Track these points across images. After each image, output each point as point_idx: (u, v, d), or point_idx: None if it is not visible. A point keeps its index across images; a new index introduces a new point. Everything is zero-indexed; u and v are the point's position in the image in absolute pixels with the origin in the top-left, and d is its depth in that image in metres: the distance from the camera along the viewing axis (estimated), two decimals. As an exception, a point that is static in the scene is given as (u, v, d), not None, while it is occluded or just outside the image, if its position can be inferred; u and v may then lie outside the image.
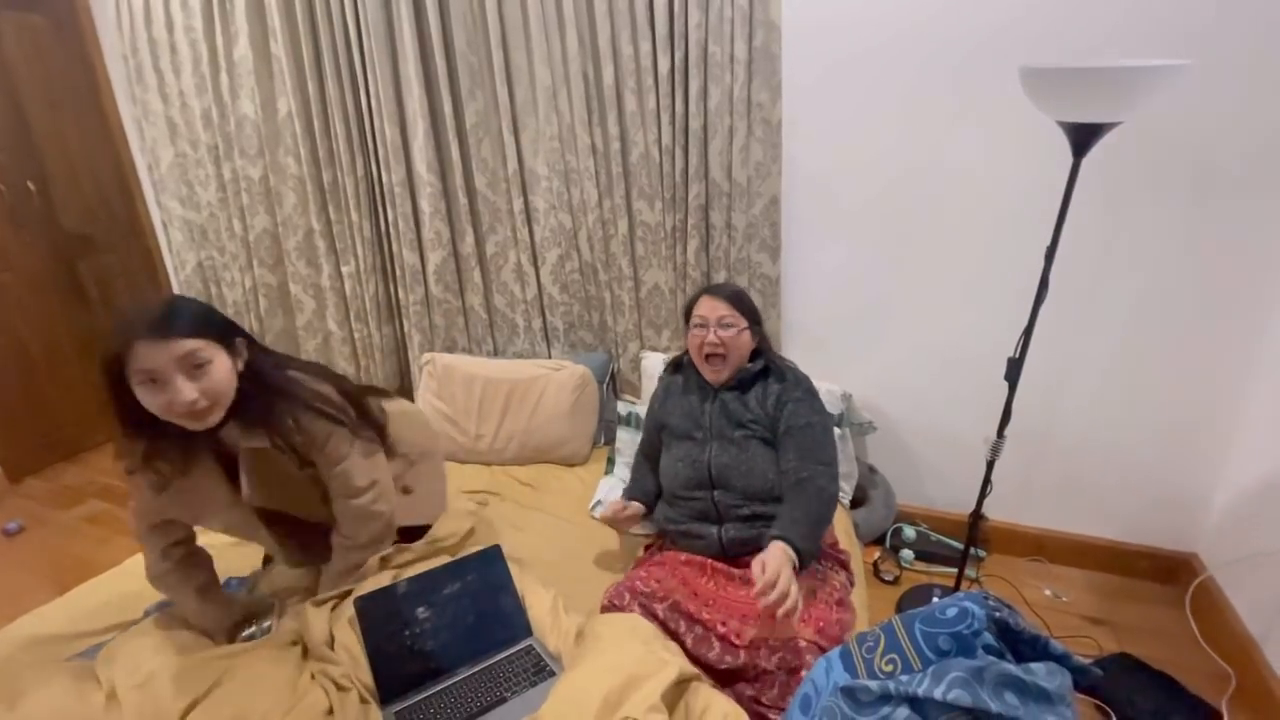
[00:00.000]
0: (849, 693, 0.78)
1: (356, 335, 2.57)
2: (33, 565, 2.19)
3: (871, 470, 2.06)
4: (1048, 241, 1.41)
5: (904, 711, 0.74)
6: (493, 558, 1.36)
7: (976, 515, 1.65)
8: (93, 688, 1.15)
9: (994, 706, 0.70)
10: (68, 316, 2.91)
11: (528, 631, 1.30)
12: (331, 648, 1.18)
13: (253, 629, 1.29)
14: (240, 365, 1.13)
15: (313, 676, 1.14)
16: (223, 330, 1.11)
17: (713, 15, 1.77)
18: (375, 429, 1.32)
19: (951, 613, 0.81)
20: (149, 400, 1.04)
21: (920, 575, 1.95)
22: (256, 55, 2.31)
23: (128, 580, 1.54)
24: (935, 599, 1.19)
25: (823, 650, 1.08)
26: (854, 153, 1.79)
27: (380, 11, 2.08)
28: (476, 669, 1.22)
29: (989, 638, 0.79)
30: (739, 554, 1.40)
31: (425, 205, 2.27)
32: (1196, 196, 1.54)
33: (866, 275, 1.90)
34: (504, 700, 1.15)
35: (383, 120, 2.21)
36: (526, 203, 2.20)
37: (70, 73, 2.78)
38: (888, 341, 1.95)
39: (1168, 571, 1.85)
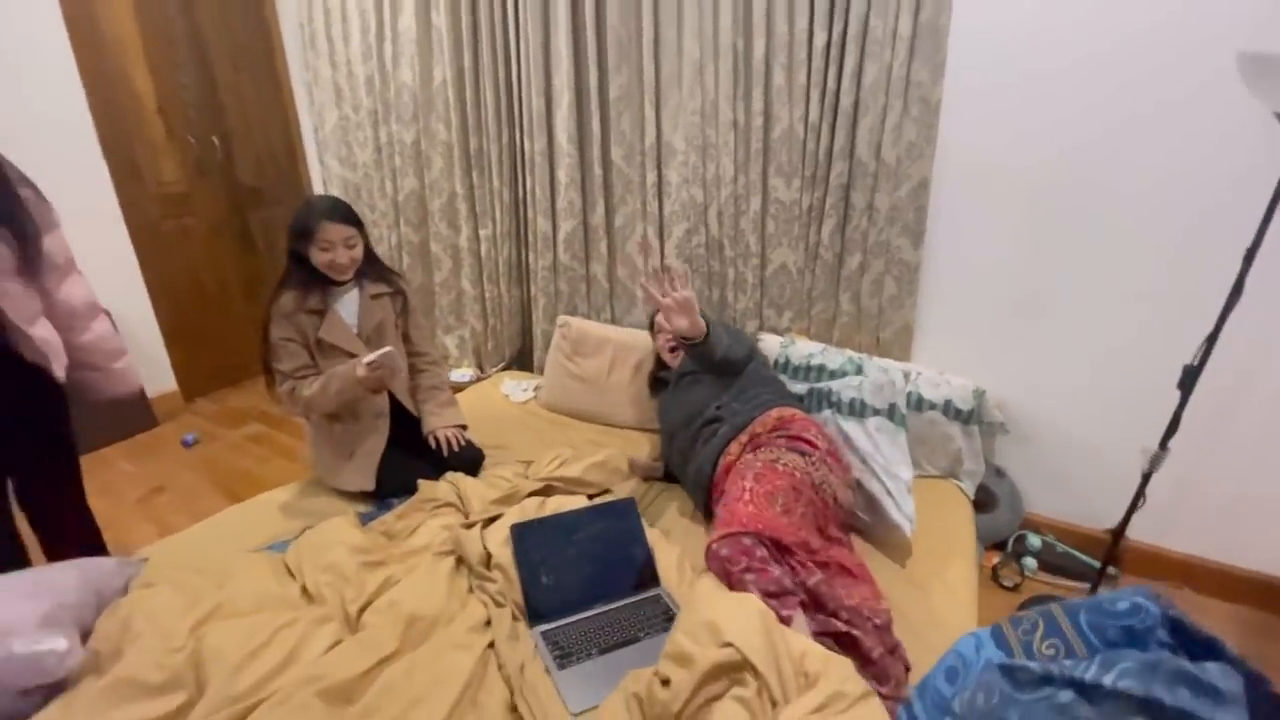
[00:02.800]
0: (1008, 671, 0.78)
1: (487, 295, 2.73)
2: (207, 473, 2.51)
3: (999, 473, 1.98)
4: (1234, 244, 1.30)
5: (1068, 695, 0.73)
6: (628, 508, 1.44)
7: (1122, 528, 1.56)
8: (285, 576, 1.33)
9: (1167, 699, 0.68)
10: (238, 260, 3.26)
11: (656, 582, 1.37)
12: (487, 567, 1.30)
13: (374, 356, 1.57)
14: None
15: (470, 589, 1.26)
16: (362, 226, 1.72)
17: (878, -11, 1.72)
18: None
19: (1123, 606, 0.79)
20: (317, 257, 1.66)
21: (1042, 585, 1.87)
22: (419, 26, 2.47)
23: (292, 495, 1.76)
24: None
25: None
26: (1019, 137, 1.70)
27: (538, -17, 2.17)
28: (611, 607, 1.30)
29: (1162, 634, 0.77)
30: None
31: (562, 175, 2.36)
32: None
33: (1016, 268, 1.81)
34: (637, 640, 1.22)
35: (530, 91, 2.31)
36: (660, 176, 2.25)
37: (251, 38, 3.08)
38: (1031, 339, 1.85)
39: (1336, 617, 1.68)
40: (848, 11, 1.77)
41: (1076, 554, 1.88)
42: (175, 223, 2.96)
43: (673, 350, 1.91)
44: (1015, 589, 1.86)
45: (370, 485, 1.71)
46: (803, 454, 1.48)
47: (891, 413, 1.69)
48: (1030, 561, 1.89)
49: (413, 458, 1.79)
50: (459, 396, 2.05)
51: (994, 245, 1.83)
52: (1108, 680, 0.69)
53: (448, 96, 2.50)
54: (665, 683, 0.99)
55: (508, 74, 2.39)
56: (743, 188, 2.11)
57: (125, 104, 2.70)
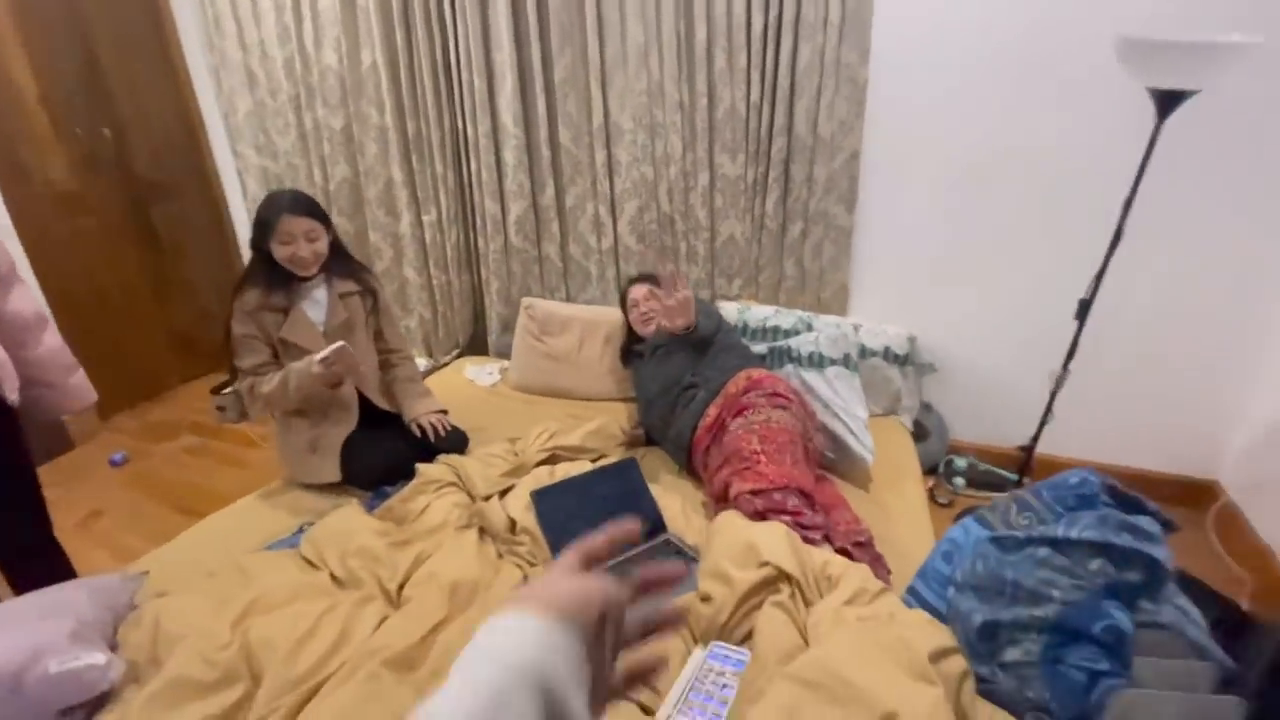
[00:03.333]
0: (996, 541, 0.99)
1: (435, 282, 2.71)
2: (147, 491, 2.35)
3: (928, 407, 2.27)
4: (1113, 195, 1.60)
5: (1045, 550, 0.94)
6: (631, 467, 1.55)
7: (1034, 442, 1.86)
8: (308, 568, 1.34)
9: (1118, 541, 0.91)
10: (142, 260, 3.00)
11: (664, 527, 1.50)
12: (513, 532, 1.38)
13: (326, 351, 1.56)
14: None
15: (500, 555, 1.34)
16: (327, 220, 1.71)
17: (808, -23, 1.89)
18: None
19: (1074, 480, 1.02)
20: (278, 251, 1.62)
21: (970, 500, 2.19)
22: (343, 5, 2.37)
23: (271, 495, 1.74)
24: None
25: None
26: (934, 108, 1.94)
27: (473, -36, 2.16)
28: (630, 554, 1.41)
29: (1105, 497, 0.99)
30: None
31: (509, 157, 2.38)
32: (1249, 161, 1.72)
33: (936, 226, 2.07)
34: (661, 579, 1.35)
35: (471, 73, 2.30)
36: (609, 156, 2.33)
37: (137, 21, 2.82)
38: (951, 288, 2.13)
39: (1192, 496, 2.09)
40: (782, -2, 1.93)
41: (995, 469, 2.20)
42: (69, 224, 2.69)
43: (646, 324, 2.03)
44: (950, 505, 2.16)
45: (336, 475, 1.71)
46: (785, 409, 1.64)
47: (846, 361, 1.91)
48: (959, 481, 2.20)
49: (381, 440, 1.79)
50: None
51: (917, 207, 2.07)
52: (1074, 533, 0.90)
53: (380, 79, 2.43)
54: (705, 599, 1.12)
55: (445, 56, 2.36)
56: (690, 164, 2.24)
57: (3, 97, 2.41)
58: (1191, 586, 1.76)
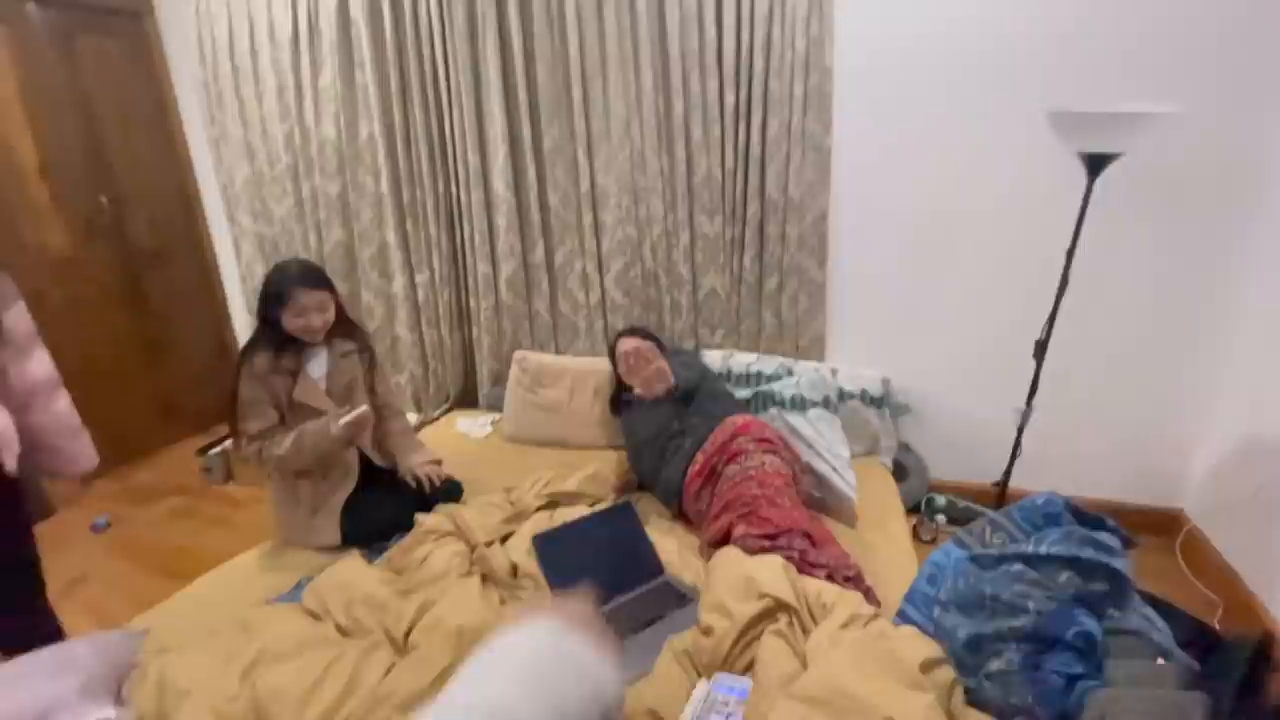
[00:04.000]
0: (974, 560, 1.07)
1: (427, 339, 2.78)
2: (132, 556, 2.31)
3: (906, 448, 2.37)
4: (1058, 245, 1.77)
5: (1018, 566, 1.02)
6: (628, 511, 1.61)
7: (1006, 478, 1.96)
8: (311, 619, 1.35)
9: (1083, 555, 0.99)
10: (133, 325, 3.03)
11: (661, 569, 1.54)
12: (515, 577, 1.41)
13: (348, 411, 1.67)
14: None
15: (502, 601, 1.37)
16: (333, 288, 1.78)
17: (774, 59, 2.09)
18: None
19: (1040, 500, 1.11)
20: (290, 322, 1.69)
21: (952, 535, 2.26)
22: (343, 83, 2.54)
23: (266, 554, 1.75)
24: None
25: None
26: (893, 172, 2.13)
27: (466, 46, 2.35)
28: (630, 596, 1.46)
29: (1068, 516, 1.08)
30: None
31: (501, 221, 2.52)
32: (1177, 208, 1.92)
33: (901, 277, 2.23)
34: (661, 617, 1.39)
35: (465, 145, 2.46)
36: (596, 218, 2.47)
37: (140, 95, 2.96)
38: (920, 333, 2.27)
39: (1159, 525, 2.19)
40: (750, 77, 2.13)
41: (973, 505, 2.29)
42: (64, 291, 2.73)
43: (633, 374, 2.10)
44: (932, 542, 2.23)
45: (336, 539, 1.73)
46: (774, 453, 1.72)
47: (826, 403, 2.01)
48: (941, 518, 2.27)
49: (381, 500, 1.82)
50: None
51: (883, 260, 2.24)
52: (1043, 549, 0.99)
53: (377, 150, 2.57)
54: (707, 632, 1.17)
55: (440, 128, 2.52)
56: (672, 225, 2.39)
57: (4, 167, 2.49)
58: (1164, 610, 1.85)
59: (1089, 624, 0.91)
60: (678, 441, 1.88)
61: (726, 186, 2.28)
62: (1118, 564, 0.97)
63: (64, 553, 2.34)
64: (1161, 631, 0.98)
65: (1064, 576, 0.96)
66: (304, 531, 1.75)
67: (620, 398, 2.21)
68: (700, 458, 1.79)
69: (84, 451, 1.52)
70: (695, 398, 1.97)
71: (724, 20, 2.10)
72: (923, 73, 2.01)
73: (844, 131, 2.13)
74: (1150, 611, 1.01)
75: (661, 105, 2.26)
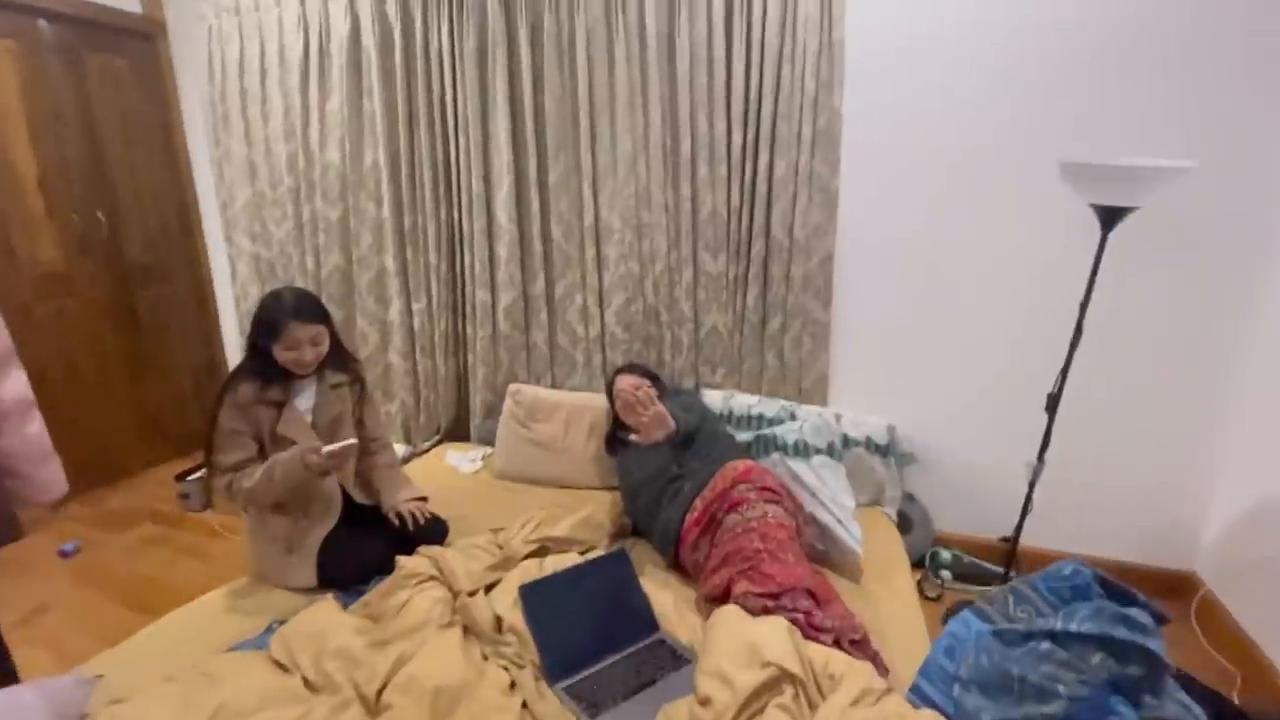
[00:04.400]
0: (998, 635, 0.99)
1: (420, 368, 2.72)
2: (99, 585, 2.20)
3: (911, 498, 2.30)
4: (1070, 296, 1.73)
5: (1046, 644, 0.95)
6: (621, 560, 1.52)
7: (1017, 534, 1.89)
8: (277, 670, 1.26)
9: (1116, 634, 0.92)
10: (121, 342, 2.96)
11: (656, 626, 1.45)
12: (499, 630, 1.32)
13: (334, 446, 1.56)
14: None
15: (485, 656, 1.28)
16: (330, 320, 1.71)
17: (783, 101, 2.09)
18: None
19: (1067, 571, 1.04)
20: (281, 355, 1.61)
21: (958, 594, 2.17)
22: (350, 109, 2.53)
23: (237, 592, 1.65)
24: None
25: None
26: (901, 216, 2.10)
27: (476, 77, 2.35)
28: (622, 655, 1.36)
29: (1097, 588, 1.01)
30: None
31: (502, 250, 2.48)
32: (1191, 261, 1.89)
33: (909, 322, 2.19)
34: (654, 681, 1.30)
35: (470, 174, 2.44)
36: (599, 251, 2.44)
37: (146, 113, 2.96)
38: (927, 380, 2.22)
39: (1172, 588, 2.11)
40: (759, 118, 2.12)
41: (980, 562, 2.21)
42: (51, 305, 2.67)
43: (631, 412, 2.03)
44: (938, 599, 2.14)
45: (312, 581, 1.63)
46: (777, 503, 1.63)
47: (831, 450, 1.94)
48: (946, 573, 2.19)
49: (361, 539, 1.73)
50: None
51: (890, 304, 2.20)
52: (1073, 627, 0.91)
53: (380, 176, 2.55)
54: (705, 703, 1.08)
55: (445, 157, 2.51)
56: (675, 261, 2.35)
57: (1, 178, 2.46)
58: (1182, 683, 1.75)
59: (1126, 714, 0.83)
60: (676, 485, 1.81)
61: (731, 224, 2.25)
62: (1153, 645, 0.90)
63: (28, 579, 2.23)
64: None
65: (1097, 658, 0.89)
66: (278, 570, 1.65)
67: (616, 436, 2.14)
68: (699, 504, 1.71)
69: (53, 479, 1.43)
70: (695, 440, 1.90)
71: (734, 62, 2.10)
72: (934, 118, 2.00)
73: (852, 173, 2.12)
74: (1185, 697, 0.94)
75: (669, 143, 2.25)
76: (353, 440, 1.61)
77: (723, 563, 1.48)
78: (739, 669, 1.08)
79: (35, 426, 1.39)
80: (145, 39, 2.91)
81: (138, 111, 2.93)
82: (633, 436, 1.81)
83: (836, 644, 1.25)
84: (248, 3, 2.61)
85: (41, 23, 2.57)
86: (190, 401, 3.21)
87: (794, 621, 1.25)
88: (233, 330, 3.16)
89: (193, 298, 3.20)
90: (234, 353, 3.21)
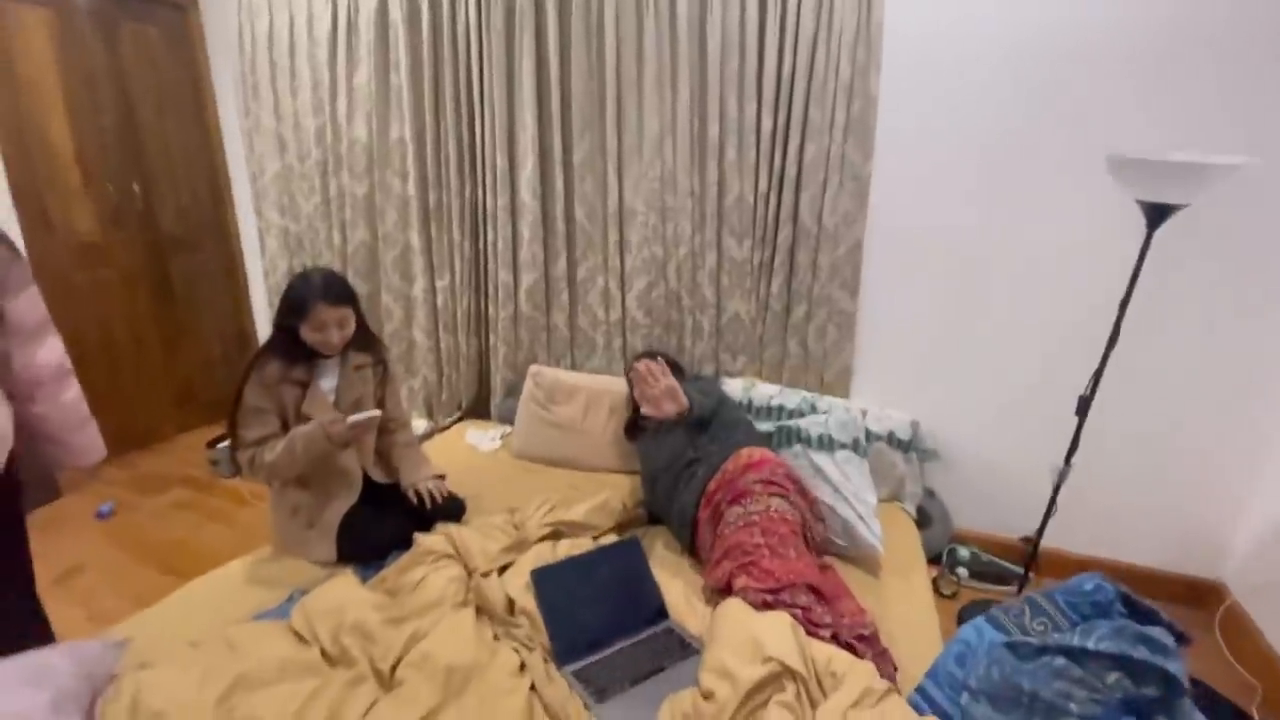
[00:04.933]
0: (1012, 647, 0.97)
1: (443, 345, 2.74)
2: (132, 547, 2.29)
3: (931, 494, 2.27)
4: (1108, 295, 1.67)
5: (1061, 660, 0.93)
6: (634, 548, 1.53)
7: (1039, 535, 1.85)
8: (297, 641, 1.30)
9: (1135, 654, 0.89)
10: (156, 312, 3.04)
11: (666, 614, 1.46)
12: (511, 613, 1.34)
13: (358, 416, 1.58)
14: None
15: (496, 637, 1.30)
16: (357, 302, 1.71)
17: (816, 85, 2.02)
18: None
19: (1089, 586, 1.01)
20: (309, 335, 1.63)
21: (974, 592, 2.14)
22: (377, 83, 2.52)
23: (259, 562, 1.70)
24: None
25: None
26: (934, 207, 2.04)
27: (502, 54, 2.32)
28: (631, 641, 1.38)
29: (1120, 606, 0.99)
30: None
31: (525, 230, 2.47)
32: (1236, 264, 1.80)
33: (938, 316, 2.13)
34: (662, 669, 1.31)
35: (495, 151, 2.42)
36: (621, 235, 2.41)
37: (178, 84, 2.98)
38: (953, 376, 2.17)
39: (1197, 597, 2.06)
40: (790, 102, 2.06)
41: (999, 561, 2.17)
42: (88, 275, 2.74)
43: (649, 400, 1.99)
44: (953, 596, 2.11)
45: (331, 556, 1.67)
46: (783, 497, 1.61)
47: (856, 446, 1.92)
48: (963, 571, 2.16)
49: (381, 517, 1.76)
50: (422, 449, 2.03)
51: (918, 296, 2.14)
52: (1090, 644, 0.89)
53: (406, 152, 2.55)
54: (708, 697, 1.09)
55: (471, 134, 2.49)
56: (699, 246, 2.32)
57: (39, 150, 2.51)
58: (1203, 695, 1.72)
59: (1139, 736, 0.81)
60: (691, 470, 1.80)
61: (758, 210, 2.21)
62: (1172, 667, 0.87)
63: (66, 538, 2.32)
64: (1217, 745, 0.88)
65: (1112, 677, 0.87)
66: (299, 544, 1.70)
67: (636, 423, 2.14)
68: (711, 486, 1.71)
69: (91, 444, 1.48)
70: (711, 424, 1.89)
71: (766, 43, 2.03)
72: (973, 106, 1.92)
73: (885, 161, 2.05)
74: (1201, 718, 0.91)
75: (696, 125, 2.20)
76: (376, 412, 1.63)
77: (724, 555, 1.48)
78: (741, 663, 1.08)
79: (72, 393, 1.43)
80: (177, 9, 2.92)
81: (170, 82, 2.95)
82: (645, 409, 1.80)
83: (835, 640, 1.24)
84: (277, -27, 2.60)
85: (77, -9, 2.60)
86: (220, 369, 3.29)
87: (793, 618, 1.24)
88: (261, 301, 3.21)
89: (223, 268, 3.26)
90: (263, 323, 3.27)
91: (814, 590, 1.35)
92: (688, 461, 1.82)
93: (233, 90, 2.90)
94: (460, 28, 2.36)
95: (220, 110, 3.06)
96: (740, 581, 1.37)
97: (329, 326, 1.61)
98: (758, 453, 1.76)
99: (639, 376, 1.87)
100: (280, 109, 2.76)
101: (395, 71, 2.50)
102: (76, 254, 2.69)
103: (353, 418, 1.58)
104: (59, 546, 2.26)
